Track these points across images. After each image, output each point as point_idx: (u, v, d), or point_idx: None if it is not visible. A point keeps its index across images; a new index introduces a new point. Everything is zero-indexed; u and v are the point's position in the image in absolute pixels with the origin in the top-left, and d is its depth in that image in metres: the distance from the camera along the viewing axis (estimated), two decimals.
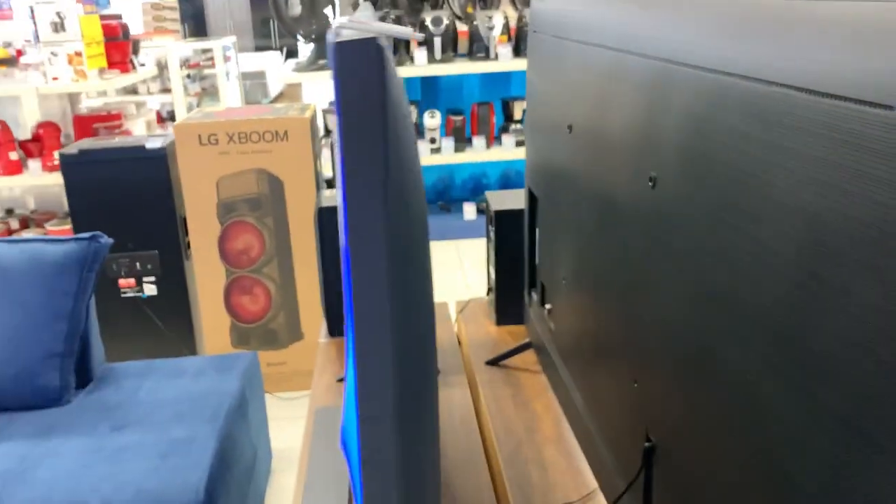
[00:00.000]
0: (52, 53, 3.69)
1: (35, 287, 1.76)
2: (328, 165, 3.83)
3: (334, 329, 1.74)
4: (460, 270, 3.86)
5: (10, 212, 4.58)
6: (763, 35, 0.57)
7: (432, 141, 4.02)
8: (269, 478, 2.13)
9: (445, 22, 3.80)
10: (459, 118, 4.14)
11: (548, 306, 1.38)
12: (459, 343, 1.80)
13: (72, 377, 1.84)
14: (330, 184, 3.97)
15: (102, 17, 4.22)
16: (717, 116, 0.64)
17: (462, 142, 4.12)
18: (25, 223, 4.43)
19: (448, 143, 4.03)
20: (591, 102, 1.01)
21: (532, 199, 1.49)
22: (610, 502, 0.95)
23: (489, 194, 1.79)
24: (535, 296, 1.53)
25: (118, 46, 4.16)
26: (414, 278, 0.51)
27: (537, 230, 1.47)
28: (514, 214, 1.66)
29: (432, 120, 3.98)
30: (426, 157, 4.00)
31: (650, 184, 0.80)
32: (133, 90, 5.90)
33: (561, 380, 1.30)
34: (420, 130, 4.16)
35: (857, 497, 0.48)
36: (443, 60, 3.84)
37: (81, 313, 1.82)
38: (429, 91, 4.93)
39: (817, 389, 0.52)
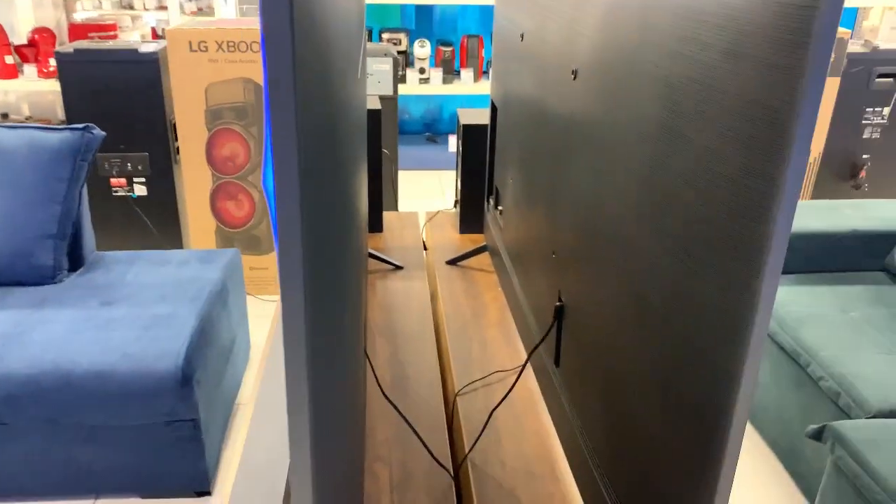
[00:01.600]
0: None
1: (32, 171, 1.89)
2: None
3: None
4: (441, 199, 3.99)
5: (4, 116, 4.64)
6: None
7: (421, 71, 4.10)
8: (247, 366, 2.30)
9: None
10: (449, 49, 4.21)
11: (500, 209, 1.53)
12: (425, 248, 1.95)
13: (64, 259, 1.98)
14: None
15: None
16: (615, 12, 0.77)
17: (451, 73, 4.20)
18: None
19: (437, 74, 4.11)
20: (537, 11, 1.13)
21: (493, 111, 1.62)
22: (528, 354, 1.11)
23: (460, 111, 1.91)
24: (492, 202, 1.67)
25: None
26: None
27: (496, 139, 1.60)
28: (480, 128, 1.79)
29: (422, 49, 4.05)
30: (414, 86, 4.08)
31: (572, 76, 0.93)
32: (129, 5, 5.88)
33: (505, 269, 1.45)
34: (410, 60, 4.23)
35: (686, 303, 0.64)
36: None
37: (74, 199, 1.95)
38: (422, 20, 4.97)
39: (662, 220, 0.67)
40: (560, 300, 1.01)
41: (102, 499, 1.75)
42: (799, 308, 2.02)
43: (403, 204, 3.83)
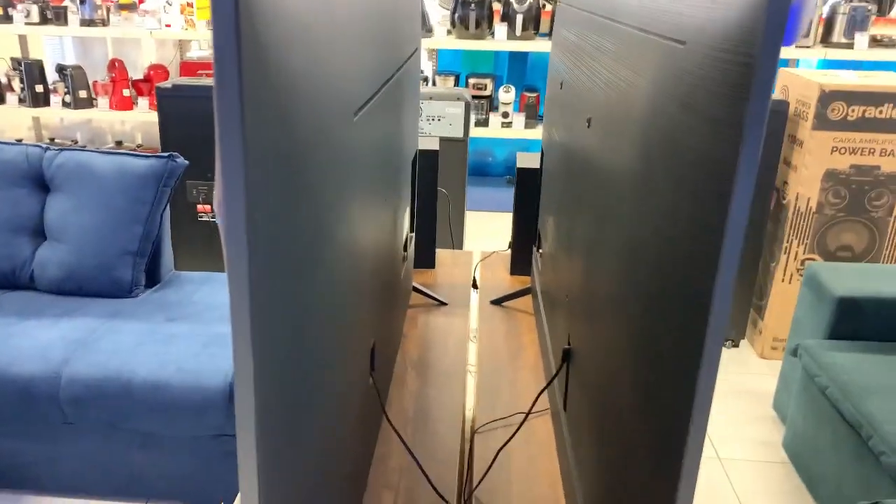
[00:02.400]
0: (167, 2, 4.06)
1: (120, 193, 2.06)
2: None
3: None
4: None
5: (119, 143, 5.05)
6: (621, 5, 0.73)
7: (504, 115, 4.17)
8: None
9: (529, 1, 3.93)
10: (534, 95, 4.27)
11: (540, 251, 1.55)
12: (476, 287, 1.98)
13: (142, 275, 2.13)
14: None
15: None
16: (600, 48, 0.80)
17: (533, 118, 4.25)
18: None
19: (520, 119, 4.17)
20: (571, 61, 1.16)
21: (542, 155, 1.65)
22: (535, 391, 1.12)
23: (520, 154, 1.95)
24: (537, 245, 1.69)
25: None
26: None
27: (542, 183, 1.63)
28: (533, 172, 1.82)
29: (506, 95, 4.13)
30: (496, 129, 4.16)
31: (587, 124, 0.96)
32: None
33: (540, 311, 1.46)
34: (494, 104, 4.32)
35: (648, 356, 0.64)
36: (522, 37, 3.97)
37: (156, 221, 2.11)
38: (515, 67, 5.07)
39: (636, 269, 0.68)
40: (568, 343, 1.01)
41: (152, 503, 1.85)
42: (866, 378, 1.91)
43: (472, 243, 3.88)
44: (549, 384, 1.07)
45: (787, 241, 2.63)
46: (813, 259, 2.65)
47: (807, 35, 3.80)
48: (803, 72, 2.67)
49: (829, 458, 1.90)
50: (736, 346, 2.86)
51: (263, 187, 0.52)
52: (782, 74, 2.72)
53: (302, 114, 0.58)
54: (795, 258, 2.65)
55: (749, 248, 2.66)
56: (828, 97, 2.42)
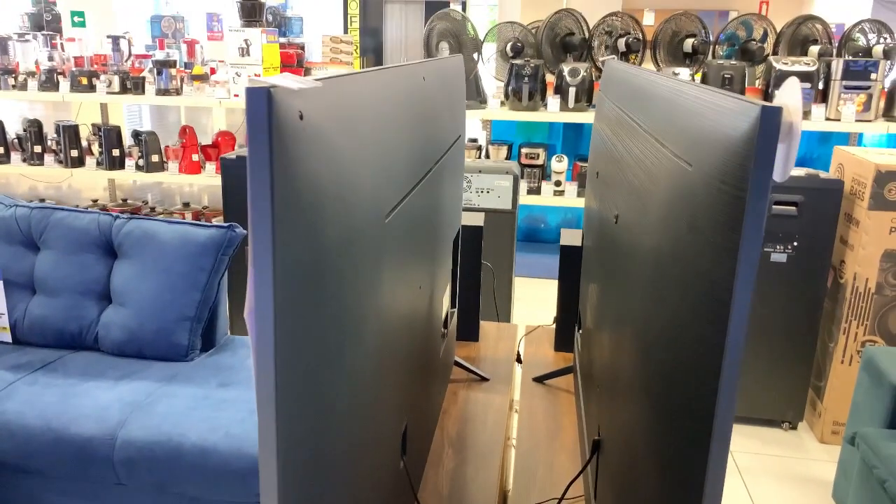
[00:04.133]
0: (236, 73, 4.30)
1: (181, 261, 2.16)
2: None
3: None
4: None
5: (186, 205, 5.29)
6: (645, 111, 0.76)
7: (557, 184, 4.22)
8: None
9: (582, 74, 4.01)
10: (587, 164, 4.31)
11: (580, 330, 1.56)
12: (520, 362, 1.99)
13: (198, 340, 2.22)
14: None
15: (285, 46, 4.83)
16: (621, 162, 0.83)
17: (585, 187, 4.28)
18: (197, 216, 5.09)
19: (572, 188, 4.21)
20: (605, 153, 1.20)
21: (583, 235, 1.67)
22: (571, 475, 1.12)
23: (564, 231, 1.98)
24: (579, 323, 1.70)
25: (293, 72, 4.74)
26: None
27: (583, 262, 1.65)
28: (576, 249, 1.84)
29: (559, 164, 4.18)
30: (549, 197, 4.20)
31: (615, 220, 0.99)
32: None
33: (579, 392, 1.47)
34: (546, 173, 4.37)
35: (660, 456, 0.66)
36: (575, 109, 4.04)
37: (214, 288, 2.20)
38: (569, 136, 5.14)
39: (647, 374, 0.70)
40: (598, 434, 1.02)
41: None
42: None
43: (521, 310, 3.88)
44: (577, 476, 1.07)
45: (846, 322, 2.55)
46: (874, 341, 2.56)
47: (867, 109, 3.76)
48: (858, 150, 2.64)
49: None
50: (794, 428, 2.75)
51: (291, 296, 0.56)
52: (837, 153, 2.69)
53: (331, 224, 0.63)
54: (855, 339, 2.57)
55: (806, 327, 2.59)
56: (884, 177, 2.38)
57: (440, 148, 1.18)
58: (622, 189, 0.95)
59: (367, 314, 0.74)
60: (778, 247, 2.51)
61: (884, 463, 1.86)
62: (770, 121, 0.48)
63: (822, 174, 2.50)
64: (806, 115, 3.83)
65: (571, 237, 1.92)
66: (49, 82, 4.74)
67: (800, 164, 2.88)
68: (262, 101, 0.49)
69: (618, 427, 0.91)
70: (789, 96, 0.50)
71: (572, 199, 4.20)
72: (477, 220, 1.90)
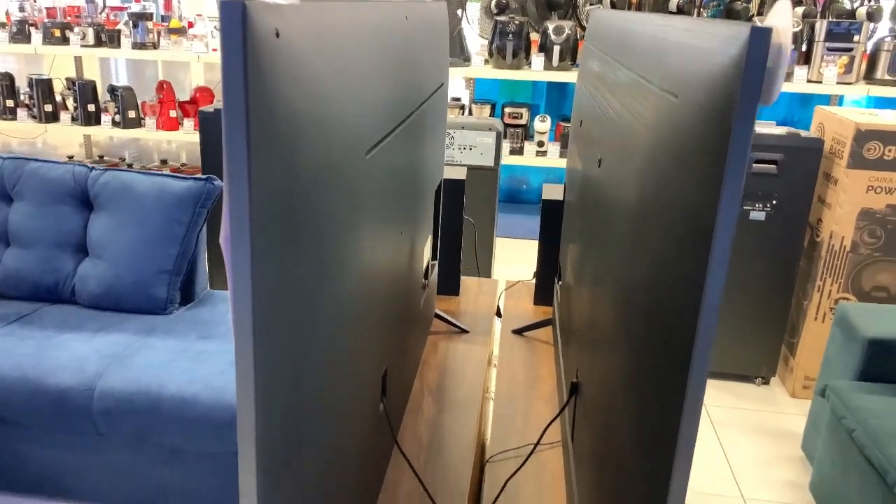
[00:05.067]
0: (214, 27, 4.21)
1: (158, 213, 2.14)
2: None
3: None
4: None
5: (164, 162, 5.21)
6: (631, 52, 0.75)
7: (540, 144, 4.21)
8: None
9: (567, 32, 3.97)
10: (570, 125, 4.30)
11: (560, 282, 1.56)
12: (500, 316, 2.00)
13: (177, 293, 2.20)
14: None
15: None
16: (610, 97, 0.82)
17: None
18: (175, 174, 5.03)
19: (555, 148, 4.20)
20: (589, 100, 1.19)
21: (565, 188, 1.67)
22: (549, 419, 1.13)
23: (546, 185, 1.97)
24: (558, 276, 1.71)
25: None
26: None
27: (564, 215, 1.65)
28: (558, 203, 1.84)
29: (542, 124, 4.16)
30: (531, 157, 4.19)
31: (598, 164, 0.98)
32: None
33: (557, 342, 1.48)
34: (530, 133, 4.35)
35: (637, 397, 0.66)
36: (559, 68, 4.01)
37: (192, 241, 2.18)
38: (552, 96, 5.11)
39: (626, 310, 0.70)
40: (576, 377, 1.03)
41: None
42: (895, 423, 1.87)
43: (502, 270, 3.89)
44: (555, 418, 1.08)
45: (821, 280, 2.59)
46: (847, 298, 2.60)
47: (849, 72, 3.76)
48: (839, 110, 2.65)
49: (856, 502, 1.86)
50: (766, 383, 2.81)
51: (268, 224, 0.55)
52: (818, 112, 2.70)
53: (309, 153, 0.62)
54: (829, 297, 2.61)
55: (781, 285, 2.63)
56: (864, 136, 2.40)
57: (422, 92, 1.16)
58: (606, 133, 0.94)
59: (346, 250, 0.74)
60: (757, 205, 2.53)
61: (852, 413, 1.91)
62: (759, 41, 0.47)
63: (803, 133, 2.52)
64: (788, 76, 3.83)
65: (553, 192, 1.92)
66: (20, 34, 4.61)
67: (781, 125, 2.90)
68: (236, 16, 0.47)
69: (596, 370, 0.91)
70: (780, 19, 0.50)
71: (555, 159, 4.19)
72: (460, 173, 1.89)
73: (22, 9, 4.79)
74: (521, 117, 4.26)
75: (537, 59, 4.02)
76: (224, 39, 0.48)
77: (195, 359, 1.89)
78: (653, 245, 0.67)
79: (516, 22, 3.98)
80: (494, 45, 4.04)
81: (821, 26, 3.74)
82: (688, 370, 0.58)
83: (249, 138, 0.50)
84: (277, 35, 0.51)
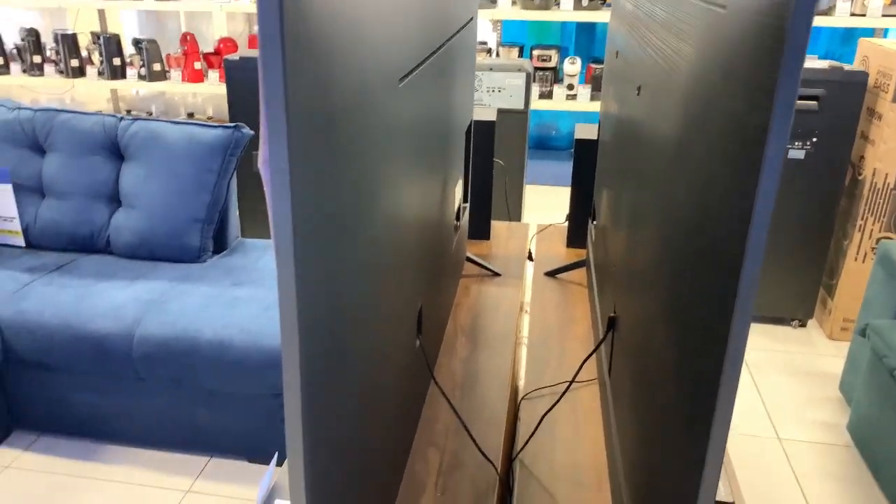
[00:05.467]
0: None
1: (188, 162, 2.14)
2: None
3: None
4: None
5: (191, 115, 5.22)
6: None
7: (569, 87, 4.12)
8: None
9: None
10: (601, 67, 4.19)
11: (595, 223, 1.54)
12: (531, 259, 1.99)
13: (210, 242, 2.22)
14: None
15: None
16: (648, 24, 0.79)
17: (600, 90, 4.18)
18: None
19: (585, 91, 4.11)
20: (625, 30, 1.15)
21: (599, 127, 1.63)
22: (584, 357, 1.12)
23: (578, 126, 1.93)
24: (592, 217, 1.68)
25: None
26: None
27: (598, 155, 1.61)
28: (591, 143, 1.80)
29: (572, 66, 4.07)
30: (560, 101, 4.11)
31: (637, 92, 0.95)
32: None
33: (592, 283, 1.46)
34: (559, 76, 4.26)
35: (682, 324, 0.64)
36: (589, 8, 3.89)
37: (223, 189, 2.18)
38: (582, 38, 4.98)
39: (671, 235, 0.68)
40: (614, 312, 1.02)
41: (216, 458, 1.95)
42: None
43: (531, 216, 3.86)
44: (593, 351, 1.07)
45: (862, 219, 2.52)
46: (889, 237, 2.53)
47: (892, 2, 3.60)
48: (885, 42, 2.54)
49: (895, 441, 1.84)
50: (803, 325, 2.77)
51: (306, 147, 0.54)
52: (863, 44, 2.59)
53: (344, 77, 0.60)
54: (870, 237, 2.54)
55: (820, 225, 2.56)
56: None
57: (453, 23, 1.12)
58: (645, 60, 0.91)
59: (381, 181, 0.72)
60: (796, 143, 2.46)
61: (894, 351, 1.88)
62: None
63: (847, 66, 2.42)
64: (830, 10, 3.68)
65: (586, 131, 1.87)
66: None
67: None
68: None
69: (634, 307, 0.90)
70: None
71: (585, 102, 4.10)
72: (490, 115, 1.85)
73: None
74: (551, 60, 4.16)
75: None
76: None
77: (229, 304, 1.91)
78: (698, 170, 0.65)
79: None
80: None
81: None
82: (733, 302, 0.56)
83: (285, 62, 0.48)
84: None
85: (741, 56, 0.55)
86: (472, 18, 1.43)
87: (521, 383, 1.43)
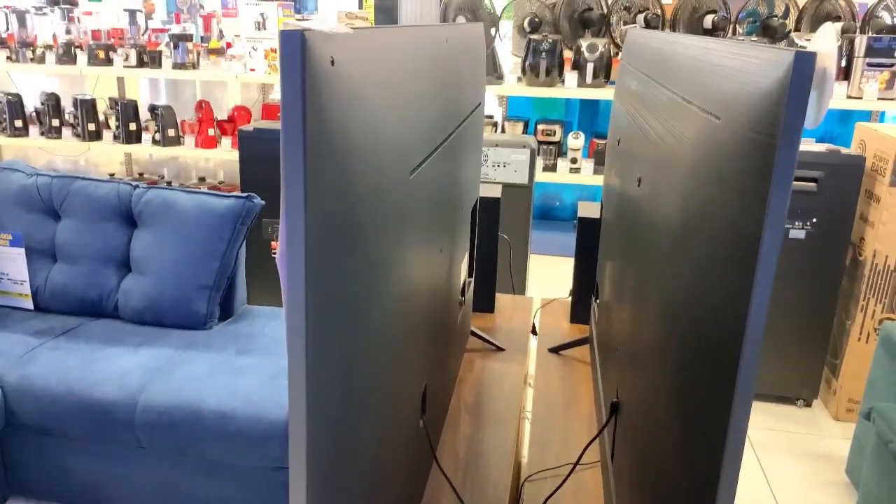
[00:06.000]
0: (252, 48, 4.30)
1: (199, 230, 2.18)
2: None
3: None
4: None
5: (202, 179, 5.31)
6: (671, 73, 0.76)
7: (573, 161, 4.20)
8: None
9: (600, 49, 3.97)
10: (603, 142, 4.29)
11: (597, 301, 1.56)
12: (535, 334, 2.00)
13: (216, 308, 2.24)
14: None
15: (299, 20, 4.80)
16: (647, 120, 0.83)
17: (602, 165, 4.26)
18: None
19: (588, 165, 4.19)
20: (627, 118, 1.20)
21: (602, 206, 1.67)
22: (587, 442, 1.13)
23: (581, 203, 1.97)
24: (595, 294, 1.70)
25: None
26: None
27: (601, 233, 1.65)
28: (594, 221, 1.84)
29: (575, 141, 4.16)
30: (564, 175, 4.18)
31: (637, 183, 0.99)
32: None
33: (595, 362, 1.47)
34: (563, 150, 4.35)
35: (677, 421, 0.66)
36: (593, 85, 4.01)
37: (232, 257, 2.22)
38: (585, 113, 5.11)
39: (671, 326, 0.70)
40: (617, 396, 1.03)
41: None
42: None
43: (536, 287, 3.89)
44: (596, 437, 1.08)
45: (864, 299, 2.54)
46: (891, 318, 2.54)
47: (890, 87, 3.70)
48: (881, 126, 2.61)
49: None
50: (808, 405, 2.75)
51: (321, 243, 0.57)
52: (859, 128, 2.66)
53: (360, 173, 0.64)
54: (873, 317, 2.55)
55: (823, 304, 2.58)
56: None
57: (462, 112, 1.17)
58: (645, 152, 0.95)
59: (391, 267, 0.75)
60: (797, 223, 2.50)
61: None
62: (803, 66, 0.47)
63: (844, 150, 2.48)
64: None
65: (589, 209, 1.92)
66: (67, 55, 4.76)
67: (820, 142, 2.87)
68: (295, 44, 0.49)
69: (637, 390, 0.91)
70: (824, 42, 0.50)
71: (588, 176, 4.18)
72: (495, 191, 1.90)
73: (68, 31, 4.95)
74: (555, 134, 4.26)
75: (570, 76, 4.02)
76: (283, 66, 0.50)
77: (234, 373, 1.92)
78: (696, 264, 0.67)
79: (549, 40, 4.00)
80: (527, 63, 4.06)
81: (860, 42, 3.69)
82: (733, 390, 0.58)
83: (306, 159, 0.52)
84: (332, 62, 0.52)
85: (734, 165, 0.58)
86: (479, 104, 1.49)
87: (525, 461, 1.43)
